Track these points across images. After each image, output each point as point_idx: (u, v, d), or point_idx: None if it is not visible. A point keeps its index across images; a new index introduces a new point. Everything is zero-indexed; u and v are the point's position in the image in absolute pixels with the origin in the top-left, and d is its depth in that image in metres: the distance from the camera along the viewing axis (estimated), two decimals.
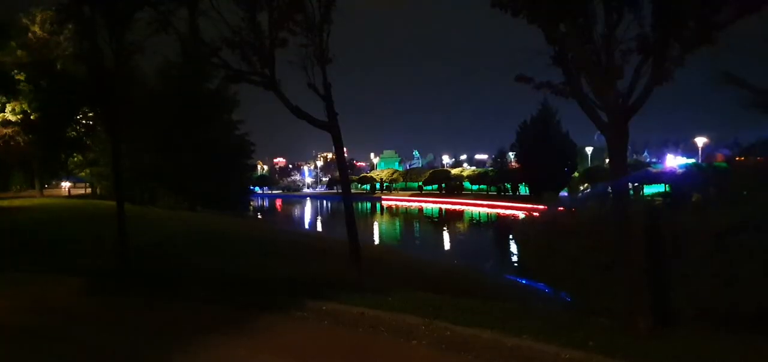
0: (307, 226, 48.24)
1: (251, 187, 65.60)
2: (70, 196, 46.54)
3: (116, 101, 9.89)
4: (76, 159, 41.00)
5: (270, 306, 7.31)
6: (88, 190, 51.48)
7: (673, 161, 65.55)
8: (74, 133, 38.11)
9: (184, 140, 34.83)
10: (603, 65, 5.24)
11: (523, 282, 18.42)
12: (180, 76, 34.58)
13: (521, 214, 56.20)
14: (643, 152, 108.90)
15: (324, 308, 6.91)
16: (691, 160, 71.54)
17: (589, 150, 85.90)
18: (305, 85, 8.67)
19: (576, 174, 69.16)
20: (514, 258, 29.85)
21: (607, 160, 6.62)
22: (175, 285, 8.73)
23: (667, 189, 55.47)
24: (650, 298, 5.82)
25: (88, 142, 38.08)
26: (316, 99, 8.69)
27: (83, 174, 46.16)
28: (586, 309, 7.31)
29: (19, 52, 32.35)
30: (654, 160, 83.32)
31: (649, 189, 62.17)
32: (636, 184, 66.61)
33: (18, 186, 50.78)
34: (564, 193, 68.21)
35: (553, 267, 8.59)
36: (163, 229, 17.67)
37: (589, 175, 67.25)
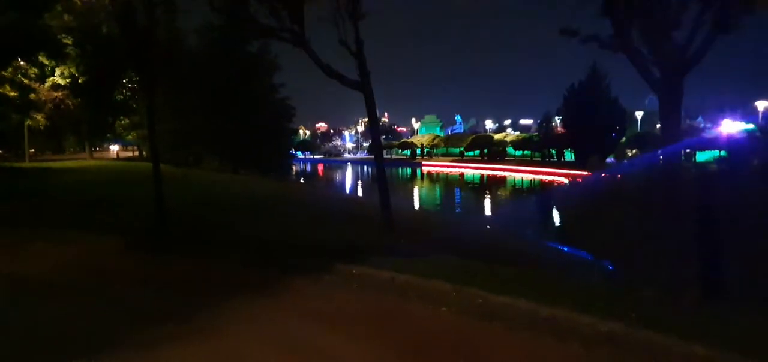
0: (347, 191, 48.47)
1: (293, 152, 66.39)
2: (118, 159, 48.33)
3: (150, 60, 9.90)
4: (123, 122, 42.31)
5: (300, 270, 7.23)
6: (136, 153, 53.33)
7: (731, 126, 61.78)
8: (121, 96, 39.23)
9: (225, 102, 35.25)
10: (658, 12, 4.72)
11: (565, 250, 17.85)
12: (220, 38, 34.81)
13: (566, 180, 54.78)
14: (697, 118, 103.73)
15: (354, 272, 6.77)
16: (751, 125, 67.49)
17: (639, 115, 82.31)
18: (338, 45, 8.37)
19: (624, 139, 66.50)
20: (557, 225, 29.05)
21: (659, 124, 6.07)
22: (209, 246, 8.82)
23: (723, 154, 52.61)
24: (699, 269, 5.40)
25: (134, 105, 39.17)
26: (349, 58, 8.40)
27: (130, 137, 47.73)
28: (629, 279, 6.90)
29: (66, 17, 33.22)
30: (708, 125, 79.06)
31: (702, 156, 59.24)
32: (688, 150, 63.64)
33: (72, 149, 53.10)
34: (611, 159, 66.23)
35: (596, 235, 8.18)
36: (204, 191, 18.00)
37: (637, 141, 64.68)
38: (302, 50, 8.24)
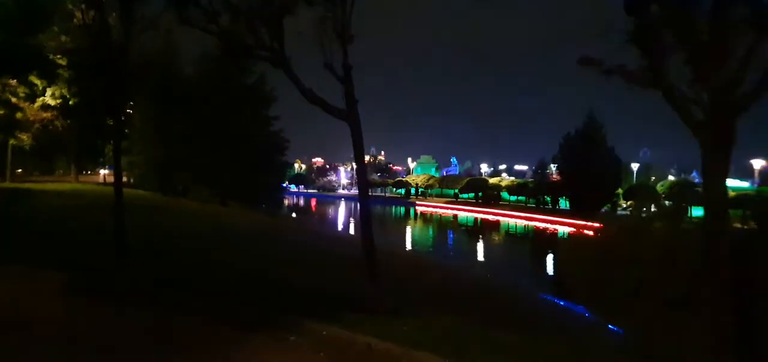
0: (336, 228, 47.22)
1: (285, 185, 65.30)
2: (104, 183, 47.12)
3: (120, 77, 9.00)
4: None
5: (264, 325, 6.14)
6: (125, 179, 52.12)
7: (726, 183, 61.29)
8: (111, 120, 38.28)
9: (216, 132, 34.49)
10: (707, 42, 3.80)
11: (561, 303, 16.75)
12: (216, 67, 34.31)
13: (561, 229, 53.81)
14: (692, 173, 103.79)
15: (324, 333, 5.69)
16: (745, 184, 67.22)
17: (635, 166, 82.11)
18: (324, 69, 7.49)
19: (620, 191, 65.89)
20: (550, 274, 28.03)
21: (704, 173, 5.07)
22: (167, 291, 7.69)
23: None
24: (738, 344, 4.41)
25: (126, 131, 38.20)
26: (336, 85, 7.49)
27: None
28: (647, 353, 5.86)
29: (63, 38, 32.54)
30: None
31: (697, 211, 58.67)
32: (683, 205, 63.10)
33: (61, 171, 51.84)
34: (605, 209, 65.46)
35: (607, 297, 7.17)
36: (183, 224, 16.86)
37: (633, 192, 64.02)
38: (282, 71, 7.34)
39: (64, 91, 34.05)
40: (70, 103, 34.24)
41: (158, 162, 36.36)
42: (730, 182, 63.20)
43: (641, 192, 63.06)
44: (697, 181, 75.15)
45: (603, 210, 64.37)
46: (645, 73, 4.42)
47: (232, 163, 35.17)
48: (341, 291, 7.76)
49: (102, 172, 63.09)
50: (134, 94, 19.16)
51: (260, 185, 38.32)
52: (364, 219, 7.07)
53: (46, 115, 34.25)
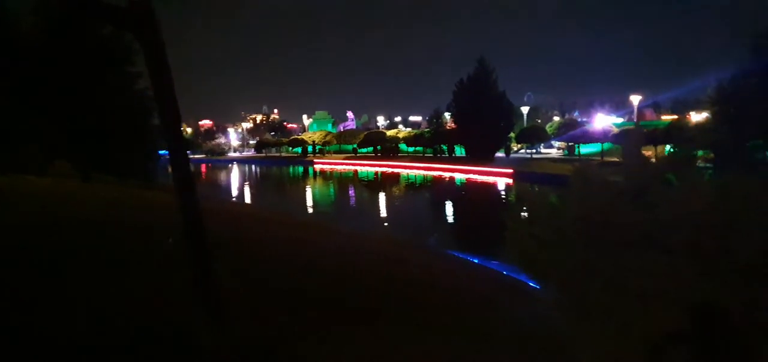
0: (218, 198, 42.90)
1: (163, 152, 58.93)
2: None
3: None
4: None
5: None
6: None
7: (604, 120, 64.88)
8: None
9: (69, 94, 28.84)
10: None
11: (477, 261, 15.11)
12: (58, 17, 28.39)
13: (459, 176, 53.82)
14: (574, 112, 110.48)
15: None
16: (621, 119, 71.77)
17: (525, 110, 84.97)
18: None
19: (512, 134, 67.63)
20: (451, 222, 26.88)
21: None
22: None
23: (606, 147, 54.70)
24: None
25: None
26: None
27: None
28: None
29: None
30: (584, 119, 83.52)
31: (585, 149, 61.59)
32: (571, 143, 66.16)
33: None
34: (500, 154, 67.00)
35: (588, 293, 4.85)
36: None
37: (525, 135, 65.93)
38: None
39: None
40: None
41: None
42: (609, 118, 66.76)
43: (533, 134, 65.02)
44: (580, 120, 79.47)
45: (498, 154, 65.85)
46: None
47: (94, 131, 29.82)
48: (160, 332, 4.72)
49: None
50: None
51: (128, 154, 33.19)
52: (187, 207, 3.73)
53: None
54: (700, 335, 1.89)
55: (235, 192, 48.94)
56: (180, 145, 3.91)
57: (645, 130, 47.12)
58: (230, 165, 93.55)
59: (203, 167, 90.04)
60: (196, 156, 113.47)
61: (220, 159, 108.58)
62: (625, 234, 2.05)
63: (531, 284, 7.91)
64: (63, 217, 10.94)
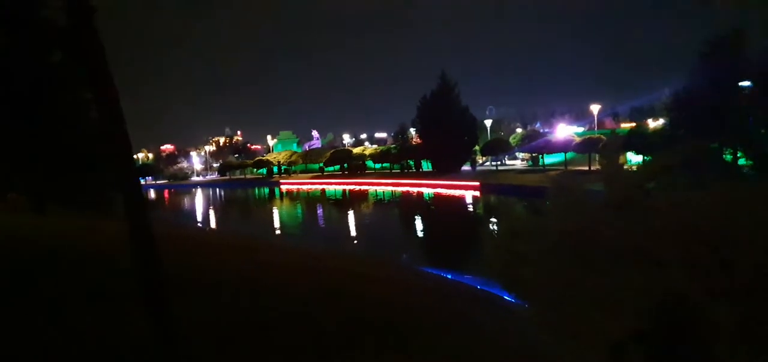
0: (179, 225, 41.81)
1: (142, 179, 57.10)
2: None
3: None
4: None
5: None
6: None
7: (566, 130, 66.44)
8: None
9: (22, 120, 27.57)
10: None
11: (449, 277, 15.04)
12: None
13: (427, 190, 54.02)
14: (536, 123, 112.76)
15: None
16: (581, 129, 73.70)
17: (488, 123, 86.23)
18: None
19: (477, 147, 68.52)
20: (421, 236, 26.83)
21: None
22: None
23: (569, 156, 55.89)
24: None
25: None
26: None
27: None
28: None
29: None
30: (546, 129, 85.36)
31: (549, 159, 62.77)
32: (535, 154, 67.35)
33: None
34: (467, 167, 67.74)
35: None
36: None
37: (490, 148, 66.80)
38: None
39: None
40: None
41: None
42: (570, 128, 68.30)
43: (497, 146, 65.97)
44: (542, 131, 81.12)
45: (463, 167, 66.59)
46: None
47: (50, 158, 28.51)
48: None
49: None
50: None
51: (85, 182, 31.87)
52: (138, 237, 3.49)
53: None
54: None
55: (198, 217, 47.81)
56: (130, 168, 3.68)
57: (604, 138, 48.34)
58: (194, 189, 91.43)
59: (166, 193, 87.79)
60: (158, 181, 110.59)
61: (182, 184, 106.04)
62: (613, 248, 1.95)
63: (505, 297, 7.84)
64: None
